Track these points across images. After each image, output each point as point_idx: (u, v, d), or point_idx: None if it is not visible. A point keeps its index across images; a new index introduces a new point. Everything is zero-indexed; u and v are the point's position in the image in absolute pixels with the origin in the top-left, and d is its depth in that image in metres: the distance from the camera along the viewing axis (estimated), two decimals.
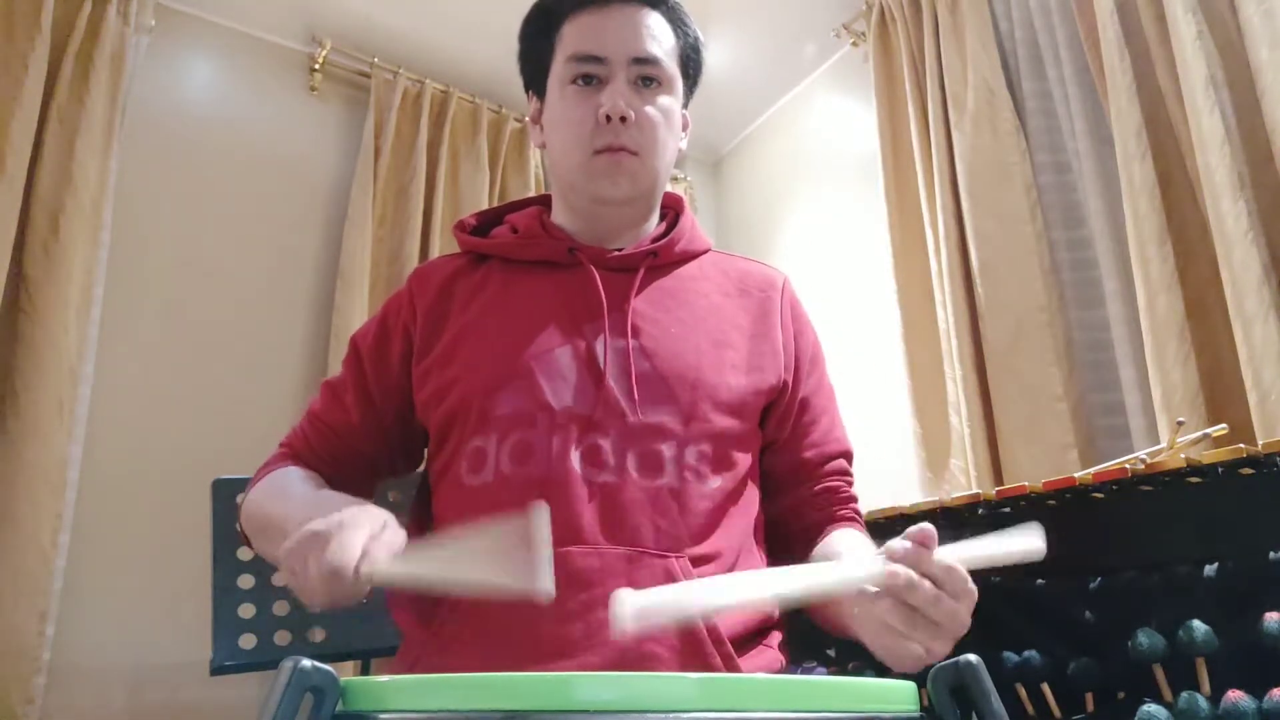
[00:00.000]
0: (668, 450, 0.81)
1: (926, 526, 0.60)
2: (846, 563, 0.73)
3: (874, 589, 0.60)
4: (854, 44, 2.45)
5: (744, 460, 0.86)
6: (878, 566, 0.59)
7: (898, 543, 0.60)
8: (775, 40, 2.56)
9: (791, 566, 0.65)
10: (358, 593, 0.64)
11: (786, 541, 0.91)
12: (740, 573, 0.68)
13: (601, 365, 0.84)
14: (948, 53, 2.06)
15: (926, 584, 0.59)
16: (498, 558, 0.63)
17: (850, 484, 0.93)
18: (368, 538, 0.65)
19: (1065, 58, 1.83)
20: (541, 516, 0.62)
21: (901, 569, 0.59)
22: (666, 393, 0.83)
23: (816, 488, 0.91)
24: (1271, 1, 1.40)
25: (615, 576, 0.75)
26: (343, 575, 0.62)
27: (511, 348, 0.85)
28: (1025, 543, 0.62)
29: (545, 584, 0.59)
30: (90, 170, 1.87)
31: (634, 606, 0.54)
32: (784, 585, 0.63)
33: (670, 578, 0.76)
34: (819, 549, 0.87)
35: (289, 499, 0.85)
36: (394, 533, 0.68)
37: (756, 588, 0.64)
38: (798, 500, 0.91)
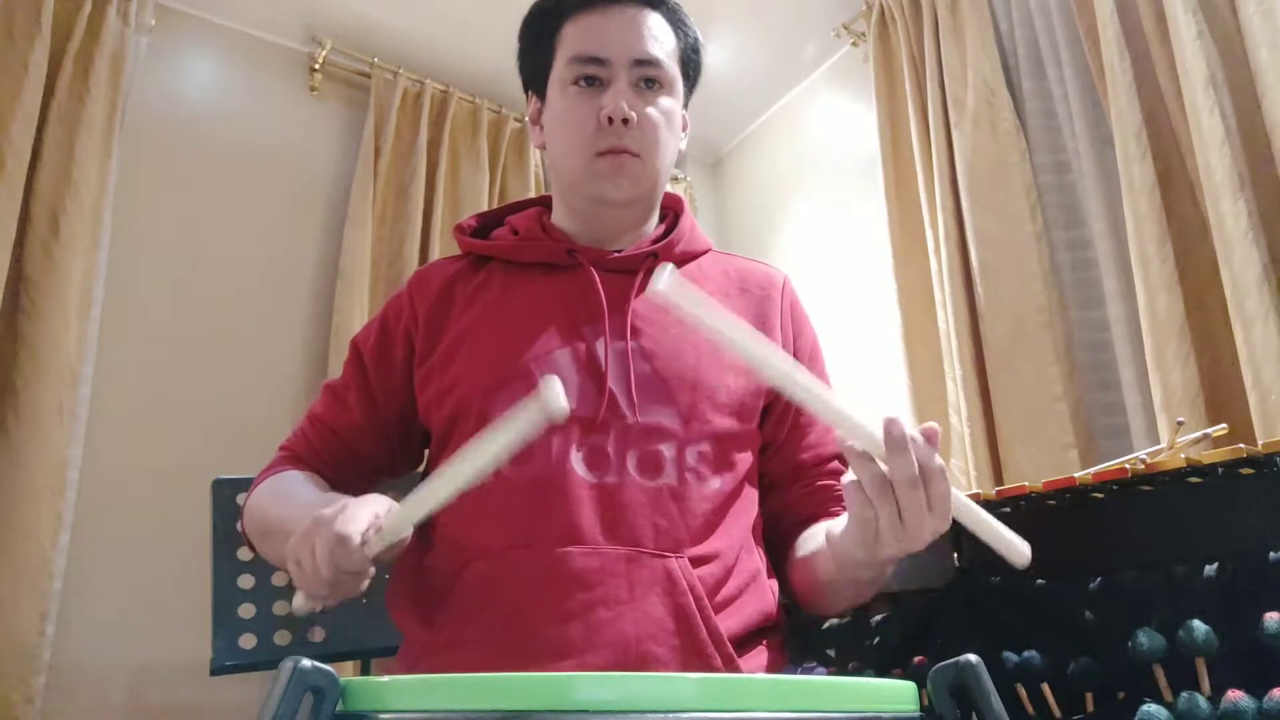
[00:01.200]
0: (668, 451, 0.82)
1: (933, 425, 0.62)
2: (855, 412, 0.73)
3: (868, 445, 0.62)
4: (854, 44, 2.45)
5: (743, 461, 0.87)
6: (878, 432, 0.61)
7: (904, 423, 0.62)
8: (775, 40, 2.56)
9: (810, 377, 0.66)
10: (363, 572, 0.64)
11: (778, 538, 0.91)
12: (763, 341, 0.70)
13: (602, 367, 0.84)
14: (948, 53, 2.06)
15: (912, 460, 0.61)
16: (500, 432, 0.64)
17: None
18: (372, 516, 0.66)
19: (1065, 58, 1.83)
20: (553, 381, 0.62)
21: (900, 425, 0.61)
22: (666, 394, 0.84)
23: (811, 487, 0.91)
24: (1271, 1, 1.40)
25: (615, 577, 0.75)
26: (348, 543, 0.63)
27: (511, 350, 0.85)
28: (1014, 540, 0.62)
29: (558, 400, 0.60)
30: (90, 170, 1.87)
31: (668, 285, 0.59)
32: (789, 377, 0.65)
33: (670, 579, 0.76)
34: (806, 534, 0.88)
35: (291, 501, 0.85)
36: (399, 512, 0.68)
37: (766, 359, 0.65)
38: (792, 499, 0.92)
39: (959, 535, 1.09)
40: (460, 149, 2.51)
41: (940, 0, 2.11)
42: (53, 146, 1.84)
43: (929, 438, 0.62)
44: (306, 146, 2.36)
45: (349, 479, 0.94)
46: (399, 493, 1.24)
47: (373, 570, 0.66)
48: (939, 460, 0.62)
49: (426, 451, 0.98)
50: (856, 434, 0.64)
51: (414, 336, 0.92)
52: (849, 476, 0.66)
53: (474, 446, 0.66)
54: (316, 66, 2.38)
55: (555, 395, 0.61)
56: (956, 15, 2.07)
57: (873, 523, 0.64)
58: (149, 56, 2.11)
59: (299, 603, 0.69)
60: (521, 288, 0.92)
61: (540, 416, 0.61)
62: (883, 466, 0.63)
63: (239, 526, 0.94)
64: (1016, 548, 0.62)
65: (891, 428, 0.61)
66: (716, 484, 0.83)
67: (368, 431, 0.93)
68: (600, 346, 0.85)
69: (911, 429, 0.62)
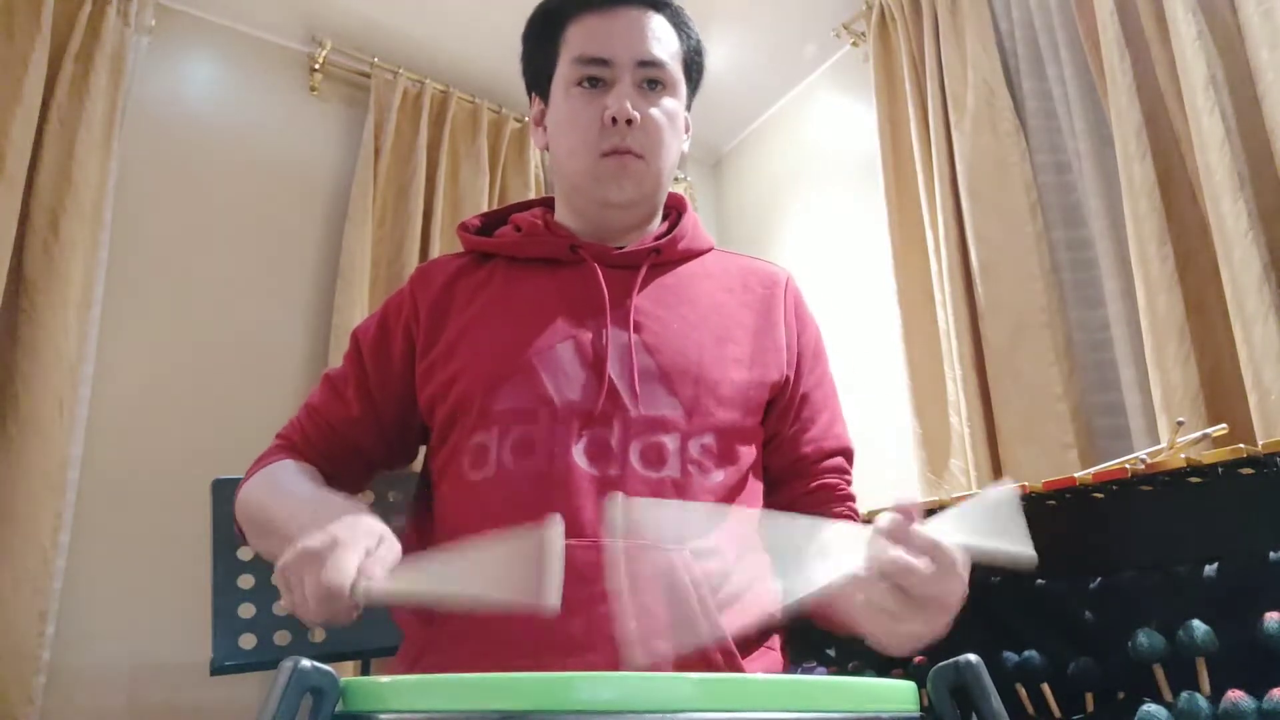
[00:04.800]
0: (671, 443, 0.82)
1: (907, 501, 0.60)
2: (835, 558, 0.73)
3: (863, 573, 0.60)
4: (854, 44, 2.45)
5: (747, 454, 0.87)
6: (861, 559, 0.59)
7: (885, 520, 0.60)
8: (775, 40, 2.56)
9: (785, 555, 0.65)
10: (351, 611, 0.64)
11: None
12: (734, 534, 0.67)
13: (604, 360, 0.84)
14: (948, 53, 2.06)
15: (917, 564, 0.59)
16: (500, 571, 0.61)
17: (848, 482, 0.93)
18: (363, 555, 0.65)
19: (1065, 58, 1.83)
20: (555, 528, 0.59)
21: (895, 554, 0.59)
22: (669, 386, 0.84)
23: (813, 484, 0.91)
24: (1271, 1, 1.40)
25: (616, 571, 0.75)
26: (338, 596, 0.62)
27: (513, 344, 0.86)
28: (1018, 548, 0.61)
29: (552, 598, 0.56)
30: (90, 170, 1.87)
31: (624, 519, 0.57)
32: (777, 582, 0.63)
33: (673, 572, 0.76)
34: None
35: (285, 497, 0.84)
36: (389, 548, 0.68)
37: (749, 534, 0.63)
38: (794, 496, 0.91)
39: None
40: (460, 149, 2.51)
41: (940, 0, 2.10)
42: (53, 146, 1.84)
43: (907, 519, 0.59)
44: (306, 146, 2.36)
45: (343, 471, 0.94)
46: (399, 491, 1.25)
47: (358, 613, 0.65)
48: (928, 535, 0.60)
49: (423, 447, 0.98)
50: (842, 576, 0.62)
51: (414, 332, 0.92)
52: (860, 610, 0.64)
53: (472, 563, 0.64)
54: (316, 66, 2.37)
55: (551, 582, 0.56)
56: (956, 15, 2.06)
57: (916, 631, 0.62)
58: (149, 56, 2.11)
59: (287, 602, 0.69)
60: (524, 283, 0.92)
61: (526, 601, 0.57)
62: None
63: (234, 518, 0.93)
64: (1021, 555, 0.61)
65: (896, 562, 0.58)
66: (720, 477, 0.83)
67: (364, 425, 0.93)
68: (602, 339, 0.85)
69: (888, 524, 0.59)
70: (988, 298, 1.85)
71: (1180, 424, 1.17)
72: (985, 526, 0.63)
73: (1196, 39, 1.47)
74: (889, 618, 0.61)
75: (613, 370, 0.83)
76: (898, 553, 0.59)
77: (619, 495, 0.56)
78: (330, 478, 0.91)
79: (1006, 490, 0.62)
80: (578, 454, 0.79)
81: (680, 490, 0.80)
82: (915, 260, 2.08)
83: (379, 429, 0.94)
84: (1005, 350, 1.80)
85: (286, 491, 0.86)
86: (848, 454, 0.94)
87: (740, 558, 0.82)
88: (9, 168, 1.74)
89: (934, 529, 0.60)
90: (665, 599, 0.75)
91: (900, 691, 0.49)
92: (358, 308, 2.15)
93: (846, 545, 0.66)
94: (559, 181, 0.98)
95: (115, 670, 1.77)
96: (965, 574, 0.61)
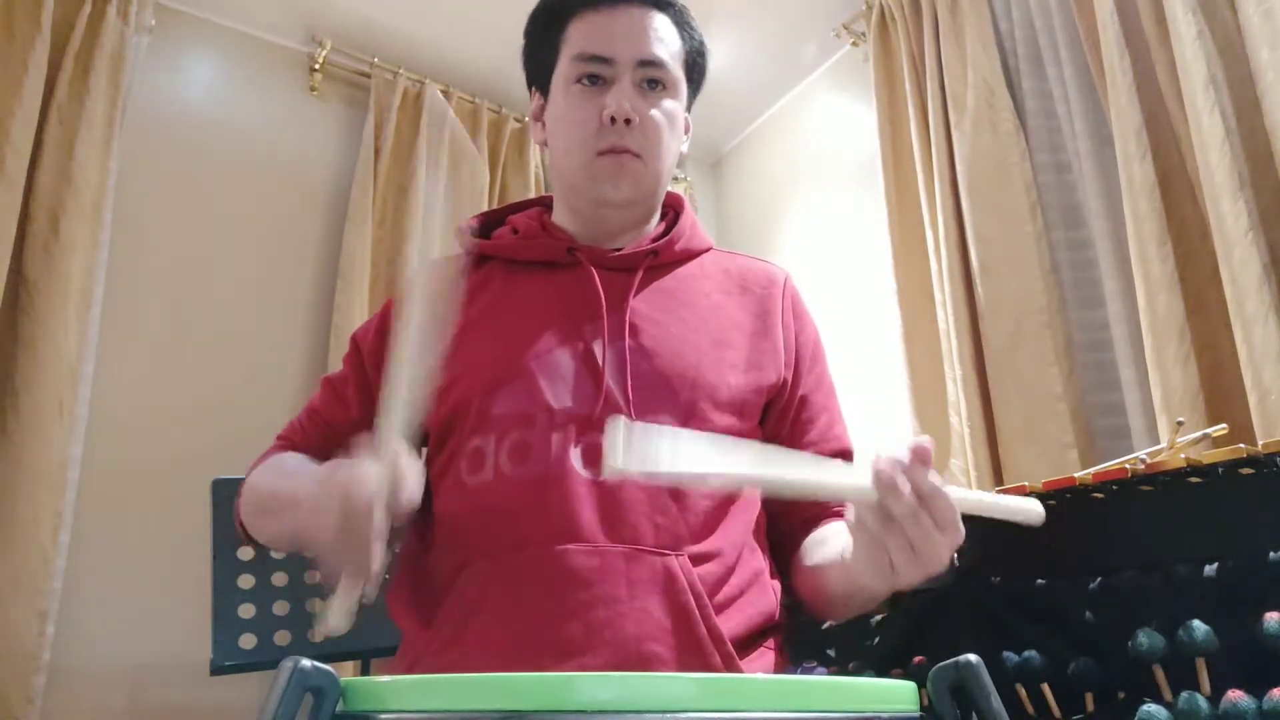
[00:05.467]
0: None
1: (924, 441, 0.60)
2: (839, 469, 0.73)
3: (862, 496, 0.61)
4: (854, 44, 2.45)
5: None
6: (866, 479, 0.60)
7: (892, 448, 0.60)
8: (775, 40, 2.56)
9: (787, 459, 0.65)
10: (375, 514, 0.65)
11: (780, 539, 0.91)
12: (733, 445, 0.68)
13: (600, 365, 0.84)
14: (948, 53, 2.06)
15: (909, 494, 0.59)
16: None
17: None
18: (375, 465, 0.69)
19: (1065, 58, 1.83)
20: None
21: (888, 468, 0.59)
22: (666, 392, 0.83)
23: None
24: (1271, 1, 1.40)
25: (614, 575, 0.75)
26: (363, 499, 0.65)
27: (510, 348, 0.85)
28: (1024, 502, 0.61)
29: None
30: (90, 170, 1.87)
31: (625, 462, 0.57)
32: (775, 469, 0.64)
33: (670, 577, 0.76)
34: (810, 538, 0.87)
35: (294, 476, 0.86)
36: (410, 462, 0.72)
37: (746, 464, 0.64)
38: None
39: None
40: (460, 149, 2.51)
41: (940, 0, 2.11)
42: (53, 146, 1.84)
43: (921, 458, 0.59)
44: (306, 146, 2.36)
45: None
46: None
47: (383, 540, 0.66)
48: (935, 480, 0.59)
49: (424, 450, 0.98)
50: (844, 493, 0.63)
51: None
52: (850, 514, 0.65)
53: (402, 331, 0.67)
54: (316, 66, 2.37)
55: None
56: (956, 15, 2.07)
57: (885, 559, 0.62)
58: (149, 56, 2.11)
59: (334, 620, 0.67)
60: (521, 286, 0.92)
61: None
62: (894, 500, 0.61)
63: (235, 514, 0.93)
64: (1028, 510, 0.61)
65: (880, 475, 0.59)
66: None
67: (364, 426, 0.93)
68: (599, 345, 0.85)
69: (901, 451, 0.59)
70: (988, 298, 1.85)
71: (1180, 424, 1.17)
72: (995, 496, 0.63)
73: (1196, 39, 1.47)
74: (869, 538, 0.62)
75: (610, 376, 0.83)
76: (895, 474, 0.59)
77: (621, 419, 0.57)
78: None
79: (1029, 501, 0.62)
80: (575, 459, 0.79)
81: (677, 496, 0.80)
82: (915, 260, 2.08)
83: None
84: (1005, 350, 1.80)
85: (294, 472, 0.87)
86: (847, 455, 0.94)
87: (739, 560, 0.83)
88: (9, 168, 1.74)
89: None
90: (663, 602, 0.75)
91: (900, 691, 0.49)
92: (358, 308, 2.15)
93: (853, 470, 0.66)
94: (556, 180, 0.98)
95: (115, 670, 1.77)
96: (958, 537, 0.61)
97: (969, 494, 0.62)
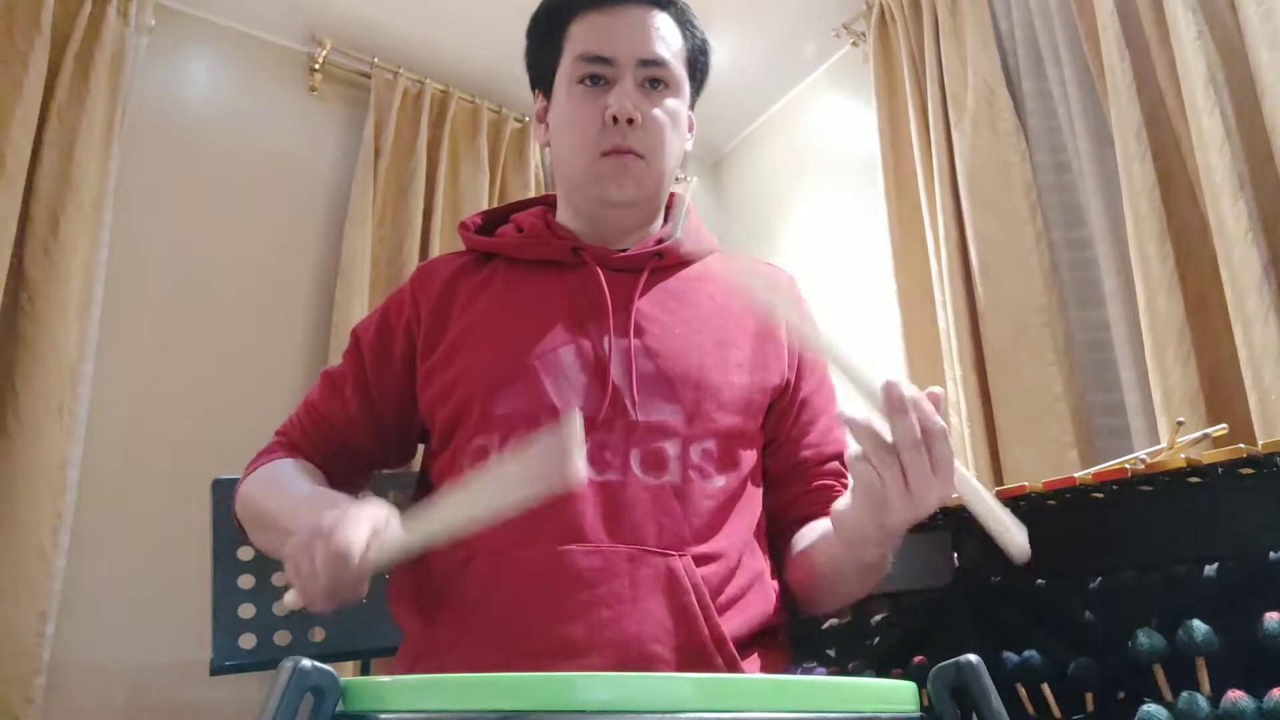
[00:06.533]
0: (671, 448, 0.81)
1: (936, 389, 0.62)
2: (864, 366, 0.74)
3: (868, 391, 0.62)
4: (854, 44, 2.45)
5: (748, 459, 0.87)
6: (881, 380, 0.61)
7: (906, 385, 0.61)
8: (775, 40, 2.56)
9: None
10: (361, 583, 0.64)
11: (775, 538, 0.91)
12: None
13: (606, 364, 0.84)
14: (948, 53, 2.06)
15: (913, 422, 0.60)
16: (514, 474, 0.62)
17: (846, 486, 0.93)
18: (371, 528, 0.65)
19: (1065, 58, 1.83)
20: (573, 417, 0.61)
21: (900, 387, 0.61)
22: (670, 392, 0.83)
23: (811, 485, 0.91)
24: (1271, 2, 1.40)
25: (617, 576, 0.75)
26: (347, 562, 0.62)
27: (515, 347, 0.85)
28: (1014, 528, 0.62)
29: (578, 471, 0.58)
30: (90, 170, 1.87)
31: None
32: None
33: (673, 578, 0.76)
34: (804, 529, 0.88)
35: (285, 494, 0.85)
36: (397, 528, 0.68)
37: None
38: (792, 497, 0.91)
39: (959, 535, 1.09)
40: (460, 149, 2.51)
41: (940, 0, 2.11)
42: (53, 146, 1.85)
43: (931, 399, 0.62)
44: (306, 146, 2.36)
45: (341, 468, 0.94)
46: (399, 492, 1.25)
47: (365, 588, 0.65)
48: (940, 421, 0.61)
49: (422, 446, 0.98)
50: (860, 389, 0.64)
51: (415, 332, 0.92)
52: (852, 447, 0.65)
53: (487, 479, 0.65)
54: (316, 66, 2.37)
55: (572, 448, 0.59)
56: (956, 15, 2.06)
57: (878, 489, 0.63)
58: (149, 56, 2.11)
59: (289, 599, 0.69)
60: (525, 285, 0.92)
61: (551, 475, 0.60)
62: (885, 434, 0.62)
63: (234, 508, 0.93)
64: (1015, 539, 0.62)
65: (891, 390, 0.61)
66: (720, 482, 0.83)
67: (362, 424, 0.93)
68: (604, 344, 0.85)
69: (913, 391, 0.62)
70: (988, 298, 1.85)
71: (1180, 424, 1.17)
72: (998, 506, 0.63)
73: (1196, 39, 1.47)
74: (864, 462, 0.63)
75: (615, 375, 0.83)
76: (905, 390, 0.60)
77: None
78: (328, 475, 0.92)
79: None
80: (579, 459, 0.79)
81: (680, 496, 0.80)
82: (915, 260, 2.08)
83: (377, 428, 0.94)
84: (1005, 350, 1.80)
85: (285, 489, 0.86)
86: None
87: (741, 561, 0.83)
88: (9, 168, 1.74)
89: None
90: (666, 603, 0.75)
91: (900, 691, 0.49)
92: (358, 308, 2.15)
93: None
94: (560, 180, 0.98)
95: (115, 670, 1.77)
96: (949, 489, 0.62)
97: (973, 480, 0.63)
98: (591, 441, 0.80)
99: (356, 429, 0.93)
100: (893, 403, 0.61)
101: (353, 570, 0.63)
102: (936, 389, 0.62)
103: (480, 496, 0.65)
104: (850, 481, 0.67)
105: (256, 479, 0.90)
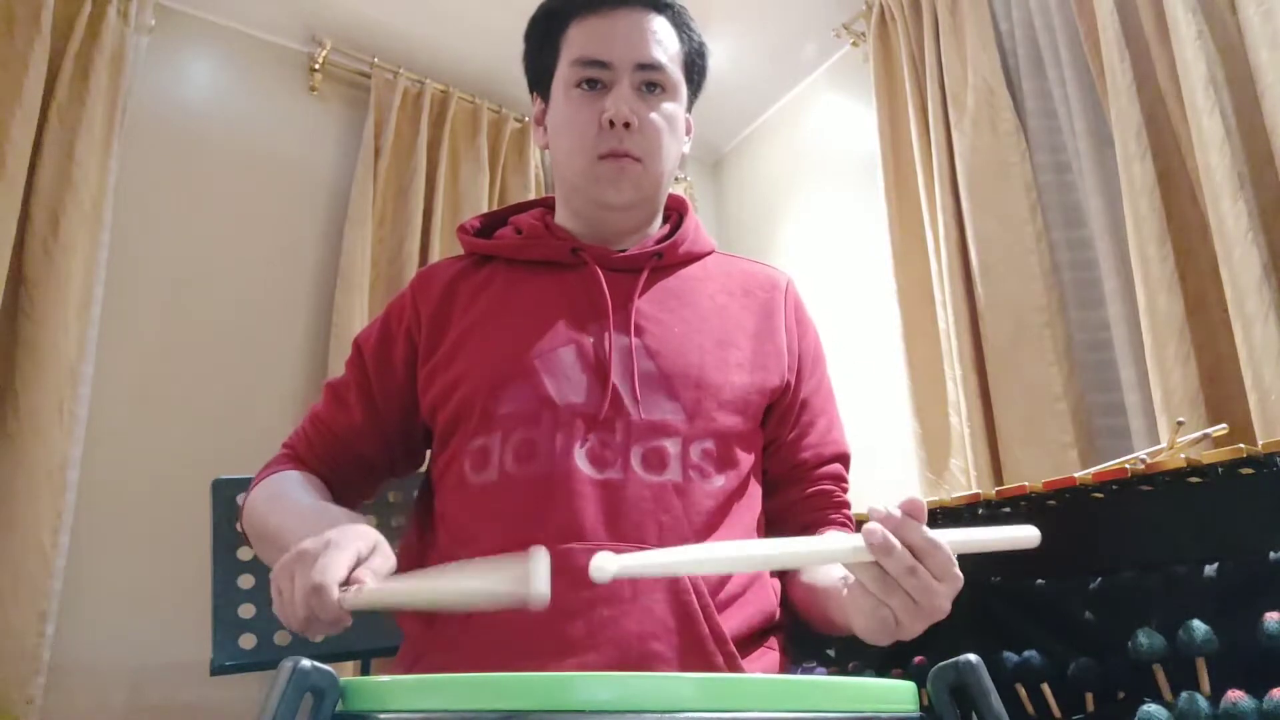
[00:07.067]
0: (672, 447, 0.82)
1: (916, 499, 0.60)
2: (830, 537, 0.74)
3: (857, 558, 0.61)
4: (854, 44, 2.45)
5: (747, 459, 0.87)
6: (859, 541, 0.60)
7: (884, 506, 0.60)
8: (775, 40, 2.56)
9: (775, 540, 0.66)
10: (338, 616, 0.62)
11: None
12: (721, 543, 0.69)
13: (606, 363, 0.84)
14: (948, 53, 2.06)
15: (903, 551, 0.59)
16: (489, 571, 0.62)
17: (845, 489, 0.93)
18: (354, 559, 0.64)
19: (1065, 58, 1.83)
20: (540, 553, 0.60)
21: (879, 528, 0.59)
22: (670, 391, 0.84)
23: (809, 490, 0.91)
24: (1271, 2, 1.40)
25: None
26: (325, 594, 0.60)
27: (515, 347, 0.85)
28: (1019, 531, 0.62)
29: (541, 588, 0.58)
30: (90, 170, 1.87)
31: (613, 567, 0.57)
32: (766, 555, 0.65)
33: (673, 576, 0.76)
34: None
35: (286, 510, 0.84)
36: (383, 558, 0.66)
37: (738, 557, 0.64)
38: (790, 501, 0.91)
39: None
40: (460, 149, 2.51)
41: (940, 0, 2.11)
42: (53, 146, 1.84)
43: (913, 513, 0.60)
44: (306, 146, 2.36)
45: (349, 479, 0.94)
46: (399, 492, 1.25)
47: (349, 621, 0.63)
48: (929, 535, 0.60)
49: (429, 451, 0.98)
50: (840, 558, 0.64)
51: (416, 336, 0.92)
52: (850, 581, 0.65)
53: (461, 578, 0.64)
54: (316, 66, 2.37)
55: (539, 573, 0.59)
56: (956, 15, 2.07)
57: (888, 615, 0.62)
58: (149, 56, 2.11)
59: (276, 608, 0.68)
60: (525, 286, 0.92)
61: (516, 591, 0.59)
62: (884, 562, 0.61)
63: (238, 525, 0.93)
64: (1024, 538, 0.62)
65: (871, 536, 0.59)
66: (720, 481, 0.83)
67: (368, 432, 0.93)
68: (604, 343, 0.85)
69: (893, 510, 0.60)
70: (988, 298, 1.85)
71: (1180, 424, 1.17)
72: (989, 529, 0.63)
73: (1196, 39, 1.48)
74: (869, 598, 0.62)
75: (615, 374, 0.83)
76: (885, 532, 0.59)
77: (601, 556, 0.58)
78: (335, 486, 0.92)
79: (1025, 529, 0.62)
80: (580, 458, 0.79)
81: (681, 495, 0.80)
82: (915, 260, 2.08)
83: (383, 435, 0.94)
84: (1005, 350, 1.80)
85: (287, 503, 0.86)
86: (845, 459, 0.94)
87: None
88: (9, 168, 1.74)
89: (940, 536, 0.60)
90: (666, 601, 0.75)
91: (900, 691, 0.49)
92: (358, 308, 2.15)
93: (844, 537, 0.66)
94: (559, 182, 0.98)
95: (115, 670, 1.77)
96: (957, 584, 0.61)
97: (964, 534, 0.62)
98: (592, 440, 0.80)
99: (362, 437, 0.93)
100: (878, 547, 0.59)
101: (329, 607, 0.61)
102: (915, 498, 0.60)
103: (448, 582, 0.65)
104: (860, 604, 0.65)
105: (260, 493, 0.89)
